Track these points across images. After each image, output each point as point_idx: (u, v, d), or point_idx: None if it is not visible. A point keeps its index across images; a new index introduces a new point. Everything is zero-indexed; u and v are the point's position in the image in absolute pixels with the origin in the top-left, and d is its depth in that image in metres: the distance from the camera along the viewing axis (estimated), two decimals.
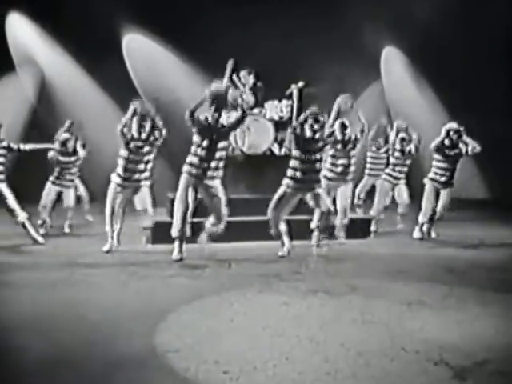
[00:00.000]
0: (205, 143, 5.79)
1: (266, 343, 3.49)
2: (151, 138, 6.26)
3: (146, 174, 6.36)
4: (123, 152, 6.23)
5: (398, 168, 8.00)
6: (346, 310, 4.21)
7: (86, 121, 11.03)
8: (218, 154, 5.86)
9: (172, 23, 11.17)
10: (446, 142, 7.22)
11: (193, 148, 5.88)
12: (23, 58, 11.90)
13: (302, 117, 6.22)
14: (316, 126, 6.12)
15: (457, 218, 8.94)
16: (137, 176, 6.28)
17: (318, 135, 6.14)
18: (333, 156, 7.14)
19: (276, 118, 8.38)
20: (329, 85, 10.78)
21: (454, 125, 7.25)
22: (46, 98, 12.11)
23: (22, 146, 6.88)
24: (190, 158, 5.87)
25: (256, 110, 8.23)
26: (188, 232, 6.33)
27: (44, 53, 12.05)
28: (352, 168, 7.19)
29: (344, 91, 11.94)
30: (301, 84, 8.34)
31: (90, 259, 6.01)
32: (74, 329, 3.77)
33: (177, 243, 6.03)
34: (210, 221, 6.18)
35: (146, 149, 6.26)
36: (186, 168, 5.90)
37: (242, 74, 8.11)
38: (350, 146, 7.11)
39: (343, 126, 7.06)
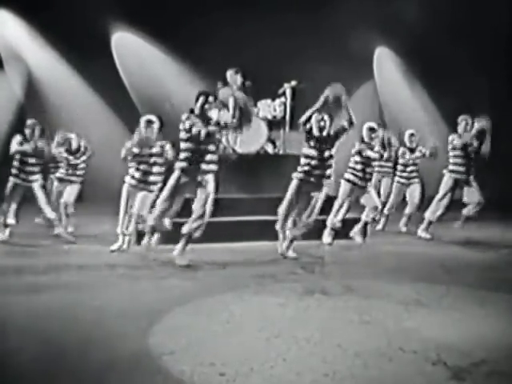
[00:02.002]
0: None
1: (262, 344, 3.45)
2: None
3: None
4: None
5: (408, 168, 8.20)
6: (342, 310, 4.18)
7: (74, 118, 10.98)
8: None
9: (162, 21, 11.11)
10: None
11: None
12: (11, 55, 11.78)
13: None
14: (322, 124, 6.07)
15: (453, 217, 8.98)
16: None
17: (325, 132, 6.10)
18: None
19: (269, 117, 8.33)
20: (321, 84, 10.79)
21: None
22: (34, 95, 12.01)
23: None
24: None
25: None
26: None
27: (32, 50, 11.95)
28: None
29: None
30: (293, 83, 8.35)
31: (81, 260, 5.95)
32: (66, 331, 3.70)
33: None
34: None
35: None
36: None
37: (229, 73, 8.07)
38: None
39: (371, 130, 7.05)
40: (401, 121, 11.98)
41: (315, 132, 6.07)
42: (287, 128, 8.47)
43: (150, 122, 6.32)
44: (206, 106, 5.64)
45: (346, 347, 3.38)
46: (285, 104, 8.37)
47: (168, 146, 6.32)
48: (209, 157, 5.62)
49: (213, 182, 5.64)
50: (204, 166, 5.60)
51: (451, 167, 7.34)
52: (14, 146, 6.79)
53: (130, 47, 12.50)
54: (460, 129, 7.25)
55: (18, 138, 6.84)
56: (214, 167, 5.67)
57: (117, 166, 8.98)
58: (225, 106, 7.96)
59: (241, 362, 3.15)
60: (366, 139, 7.05)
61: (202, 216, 5.55)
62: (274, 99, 8.40)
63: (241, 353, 3.30)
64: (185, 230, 5.62)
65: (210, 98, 5.69)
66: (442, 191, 7.39)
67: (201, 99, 5.66)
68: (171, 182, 5.67)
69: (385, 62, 13.24)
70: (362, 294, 4.65)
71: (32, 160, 6.91)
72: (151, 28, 11.52)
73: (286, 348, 3.38)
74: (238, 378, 2.97)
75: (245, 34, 10.42)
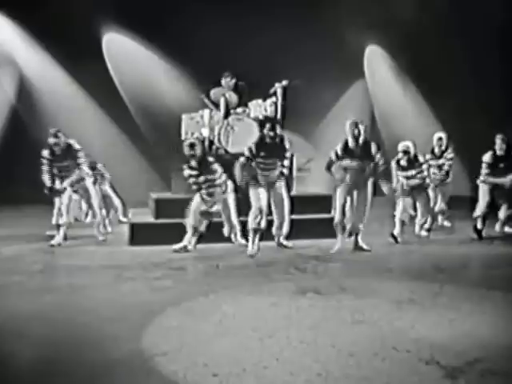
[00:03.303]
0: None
1: (255, 345, 3.44)
2: None
3: None
4: None
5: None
6: (336, 310, 4.17)
7: (66, 120, 10.93)
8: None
9: (152, 22, 11.12)
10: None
11: None
12: (2, 58, 11.72)
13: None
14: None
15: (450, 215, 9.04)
16: None
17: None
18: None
19: (260, 117, 8.29)
20: (312, 82, 10.80)
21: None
22: (26, 98, 11.96)
23: None
24: None
25: (240, 110, 8.16)
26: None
27: (23, 52, 11.90)
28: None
29: (327, 89, 12.03)
30: (285, 82, 8.33)
31: (76, 261, 5.94)
32: (59, 332, 3.69)
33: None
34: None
35: None
36: None
37: (223, 77, 8.06)
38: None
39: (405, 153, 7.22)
40: (392, 121, 12.01)
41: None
42: (278, 128, 8.43)
43: (192, 145, 6.37)
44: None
45: (340, 347, 3.37)
46: (276, 104, 8.33)
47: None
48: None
49: None
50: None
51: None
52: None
53: (121, 48, 12.48)
54: (497, 146, 7.42)
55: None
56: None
57: (112, 166, 8.98)
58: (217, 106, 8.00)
59: (234, 363, 3.14)
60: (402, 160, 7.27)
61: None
62: (265, 99, 8.37)
63: (234, 353, 3.29)
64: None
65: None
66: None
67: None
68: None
69: (376, 60, 13.27)
70: (355, 293, 4.65)
71: None
72: (141, 29, 11.52)
73: (279, 348, 3.37)
74: (231, 378, 2.96)
75: (235, 33, 10.43)
